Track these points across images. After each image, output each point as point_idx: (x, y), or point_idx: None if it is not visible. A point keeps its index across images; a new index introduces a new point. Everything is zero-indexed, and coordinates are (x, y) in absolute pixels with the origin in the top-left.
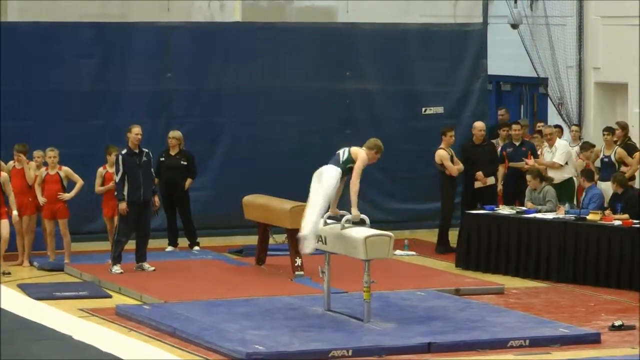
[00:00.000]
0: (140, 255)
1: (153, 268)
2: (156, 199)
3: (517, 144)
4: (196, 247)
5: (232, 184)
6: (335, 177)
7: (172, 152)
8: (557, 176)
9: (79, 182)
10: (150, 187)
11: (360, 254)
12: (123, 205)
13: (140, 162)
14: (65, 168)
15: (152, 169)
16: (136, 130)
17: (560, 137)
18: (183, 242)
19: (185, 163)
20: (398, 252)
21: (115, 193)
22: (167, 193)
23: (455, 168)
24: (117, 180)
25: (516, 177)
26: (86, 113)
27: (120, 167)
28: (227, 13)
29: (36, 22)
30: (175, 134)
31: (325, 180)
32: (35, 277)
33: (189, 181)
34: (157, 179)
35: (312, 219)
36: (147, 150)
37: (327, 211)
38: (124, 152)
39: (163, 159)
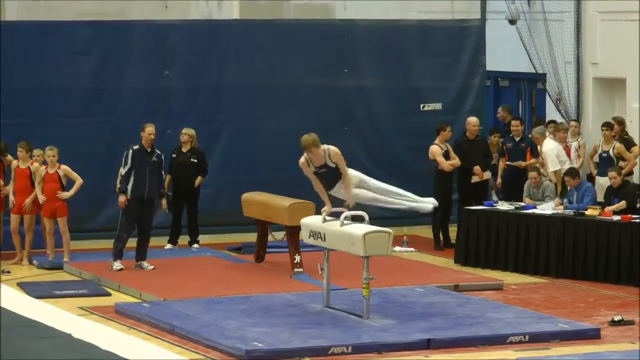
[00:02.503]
0: (141, 254)
1: (152, 267)
2: (163, 202)
3: (517, 139)
4: (195, 245)
5: (231, 182)
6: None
7: (184, 149)
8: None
9: (78, 181)
10: (157, 187)
11: (359, 250)
12: (122, 198)
13: (149, 161)
14: (64, 167)
15: (162, 171)
16: (149, 129)
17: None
18: (182, 240)
19: (195, 160)
20: (397, 248)
21: (119, 186)
22: (176, 189)
23: (448, 163)
24: (122, 174)
25: (515, 173)
26: (85, 111)
27: (129, 162)
28: (225, 11)
29: (34, 20)
30: (188, 130)
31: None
32: (35, 275)
33: (198, 179)
34: (169, 176)
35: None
36: (159, 152)
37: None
38: (135, 147)
39: (175, 155)
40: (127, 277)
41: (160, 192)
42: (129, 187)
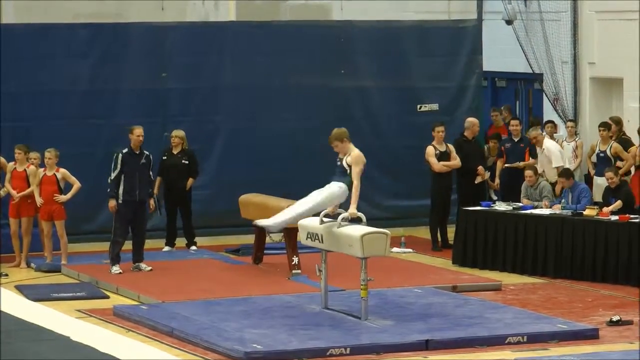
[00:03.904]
0: (137, 255)
1: (150, 268)
2: (151, 202)
3: (516, 140)
4: (193, 247)
5: (228, 183)
6: (340, 189)
7: (175, 151)
8: (550, 174)
9: (76, 185)
10: (147, 188)
11: (357, 251)
12: (112, 203)
13: (139, 163)
14: (62, 170)
15: (151, 172)
16: (138, 131)
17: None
18: (179, 242)
19: (186, 162)
20: (395, 249)
21: (108, 190)
22: (168, 192)
23: (440, 165)
24: (112, 178)
25: (513, 174)
26: (83, 113)
27: (118, 166)
28: (222, 12)
29: (32, 23)
30: (178, 132)
31: (327, 190)
32: (33, 278)
33: (190, 181)
34: (160, 178)
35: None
36: (147, 153)
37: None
38: (124, 151)
39: (165, 157)
40: (125, 280)
41: (149, 192)
42: (120, 191)
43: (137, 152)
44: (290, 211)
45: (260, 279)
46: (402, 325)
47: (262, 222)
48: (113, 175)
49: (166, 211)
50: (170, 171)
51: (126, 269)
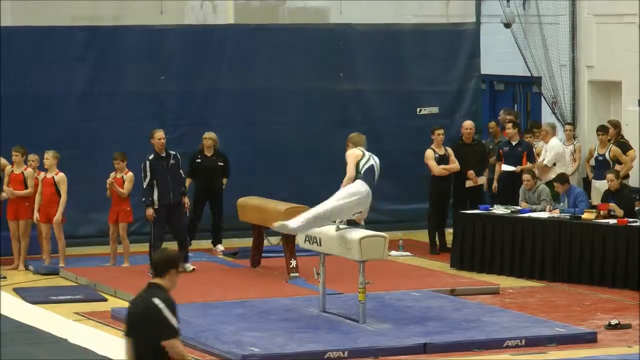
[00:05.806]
0: (183, 257)
1: (192, 268)
2: (186, 200)
3: (514, 143)
4: (220, 246)
5: (226, 186)
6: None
7: (208, 153)
8: (544, 176)
9: (63, 197)
10: (180, 189)
11: (355, 255)
12: (150, 211)
13: (168, 166)
14: (61, 175)
15: (182, 171)
16: (158, 134)
17: (554, 135)
18: (196, 244)
19: (222, 164)
20: (393, 252)
21: (143, 199)
22: (205, 194)
23: (439, 168)
24: (144, 186)
25: (511, 177)
26: (81, 116)
27: (148, 173)
28: (220, 15)
29: (31, 25)
30: (211, 135)
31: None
32: (31, 280)
33: (225, 180)
34: (190, 180)
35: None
36: (174, 153)
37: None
38: (150, 157)
39: (199, 160)
40: (123, 282)
41: (182, 191)
42: (155, 197)
43: (164, 155)
44: (312, 211)
45: (258, 282)
46: (400, 328)
47: (280, 224)
48: (145, 183)
49: (199, 211)
50: (207, 174)
51: (125, 272)
